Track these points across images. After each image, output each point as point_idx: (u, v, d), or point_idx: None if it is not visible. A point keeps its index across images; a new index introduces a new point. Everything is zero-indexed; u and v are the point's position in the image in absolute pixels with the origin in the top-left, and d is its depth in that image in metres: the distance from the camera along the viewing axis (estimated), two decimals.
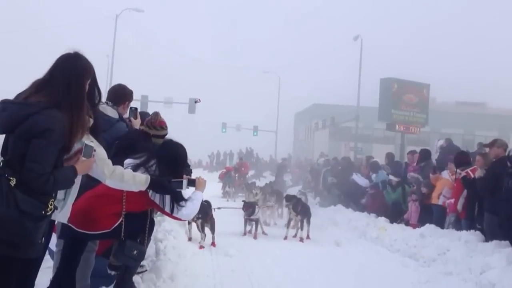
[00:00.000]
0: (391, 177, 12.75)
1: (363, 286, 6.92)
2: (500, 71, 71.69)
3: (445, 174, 10.58)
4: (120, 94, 5.42)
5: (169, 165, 4.53)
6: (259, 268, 7.61)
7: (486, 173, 8.21)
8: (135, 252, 4.35)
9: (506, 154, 8.09)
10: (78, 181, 3.43)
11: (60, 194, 3.32)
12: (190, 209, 4.57)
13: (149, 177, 4.11)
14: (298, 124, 55.66)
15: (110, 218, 4.34)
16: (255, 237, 10.46)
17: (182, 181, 4.28)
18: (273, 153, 45.52)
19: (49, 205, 3.09)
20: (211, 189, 22.21)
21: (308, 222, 10.66)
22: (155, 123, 5.35)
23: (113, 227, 4.31)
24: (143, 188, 4.09)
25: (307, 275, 7.35)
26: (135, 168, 4.31)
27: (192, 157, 44.05)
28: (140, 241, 4.58)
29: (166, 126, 5.48)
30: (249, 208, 10.66)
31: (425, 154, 12.29)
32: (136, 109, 5.78)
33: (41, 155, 2.96)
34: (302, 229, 10.51)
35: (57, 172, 3.06)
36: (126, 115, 5.58)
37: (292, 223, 10.76)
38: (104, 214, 4.31)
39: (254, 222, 10.73)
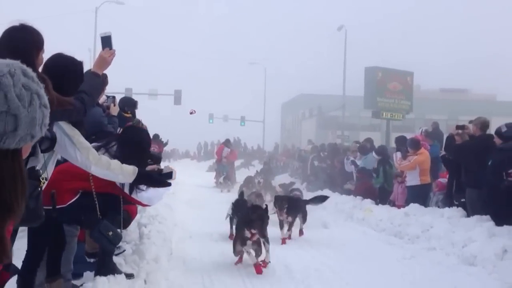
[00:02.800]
0: (374, 154, 12.91)
1: (350, 263, 6.91)
2: (482, 58, 72.23)
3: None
4: None
5: (131, 148, 4.34)
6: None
7: (470, 147, 8.26)
8: (110, 233, 4.15)
9: (494, 131, 8.17)
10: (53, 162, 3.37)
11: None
12: (152, 193, 4.34)
13: (136, 168, 3.99)
14: (285, 114, 55.68)
15: (68, 193, 4.12)
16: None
17: (171, 172, 4.18)
18: (261, 142, 45.55)
19: (41, 180, 3.03)
20: (201, 179, 22.35)
21: (302, 219, 9.18)
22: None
23: (68, 203, 4.08)
24: (130, 180, 3.98)
25: (294, 255, 7.33)
26: (96, 149, 4.02)
27: (179, 147, 44.27)
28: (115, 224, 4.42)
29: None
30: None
31: (400, 141, 12.35)
32: (114, 97, 5.70)
33: None
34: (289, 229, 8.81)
35: None
36: (102, 101, 5.48)
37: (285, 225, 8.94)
38: (63, 188, 4.06)
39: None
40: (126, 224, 6.11)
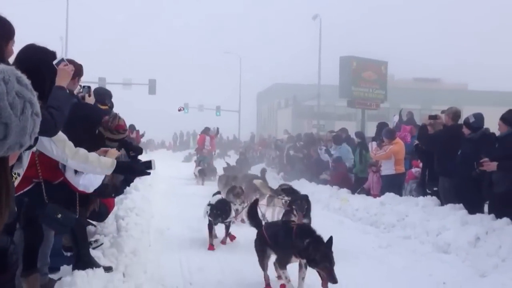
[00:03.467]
0: (354, 136, 13.30)
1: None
2: (453, 47, 73.41)
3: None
4: None
5: (77, 126, 4.19)
6: (227, 243, 7.58)
7: (443, 137, 8.42)
8: (59, 215, 3.96)
9: (463, 122, 8.33)
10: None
11: None
12: (89, 180, 4.12)
13: (115, 160, 3.95)
14: (260, 103, 55.68)
15: (23, 182, 3.78)
16: None
17: (151, 161, 4.14)
18: (237, 133, 45.51)
19: (13, 175, 2.97)
20: (178, 170, 22.11)
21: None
22: (112, 126, 5.03)
23: (20, 193, 3.84)
24: (109, 172, 3.93)
25: None
26: None
27: (155, 137, 43.92)
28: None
29: (124, 130, 5.16)
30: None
31: (381, 127, 12.54)
32: (89, 87, 5.60)
33: None
34: None
35: None
36: (76, 91, 5.38)
37: None
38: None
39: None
40: (104, 217, 6.09)
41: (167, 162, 26.26)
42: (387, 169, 10.70)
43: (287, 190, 8.62)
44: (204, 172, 17.95)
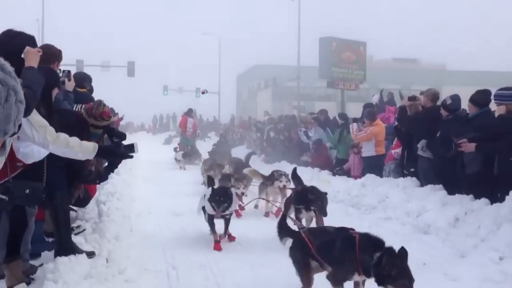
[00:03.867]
0: (337, 117, 13.35)
1: None
2: (431, 28, 73.87)
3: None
4: (48, 54, 5.06)
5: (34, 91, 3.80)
6: (206, 226, 7.56)
7: (421, 118, 8.51)
8: (27, 191, 3.75)
9: (440, 103, 8.43)
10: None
11: None
12: (31, 150, 3.87)
13: (96, 144, 3.90)
14: (240, 85, 55.50)
15: None
16: None
17: (133, 144, 4.09)
18: (217, 114, 45.35)
19: None
20: (159, 153, 21.90)
21: None
22: (96, 113, 4.98)
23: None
24: (91, 156, 3.89)
25: (253, 227, 7.41)
26: None
27: (134, 120, 43.55)
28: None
29: (108, 117, 5.13)
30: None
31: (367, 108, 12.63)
32: (69, 71, 5.51)
33: None
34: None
35: None
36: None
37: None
38: None
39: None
40: (86, 202, 6.03)
41: (147, 145, 26.05)
42: (368, 150, 10.79)
43: (294, 176, 7.84)
44: (187, 155, 17.34)
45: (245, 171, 9.46)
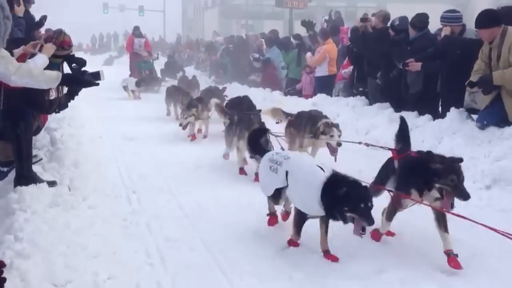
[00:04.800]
0: (292, 39, 13.44)
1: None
2: None
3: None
4: None
5: None
6: (161, 150, 7.68)
7: (372, 39, 8.69)
8: None
9: (388, 24, 8.61)
10: None
11: None
12: None
13: (60, 73, 3.82)
14: (186, 3, 53.51)
15: None
16: None
17: (99, 72, 4.01)
18: (162, 33, 43.95)
19: None
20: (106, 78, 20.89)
21: None
22: (57, 43, 4.83)
23: None
24: (55, 85, 3.84)
25: (202, 150, 7.60)
26: None
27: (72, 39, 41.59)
28: None
29: (69, 46, 5.02)
30: None
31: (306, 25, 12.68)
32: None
33: None
34: None
35: None
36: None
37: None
38: None
39: None
40: (38, 131, 5.95)
41: (85, 66, 25.21)
42: (321, 70, 10.95)
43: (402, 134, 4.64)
44: (144, 82, 14.66)
45: (267, 111, 7.39)
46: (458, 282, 3.44)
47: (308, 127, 6.21)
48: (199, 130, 8.68)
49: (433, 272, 3.58)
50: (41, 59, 4.22)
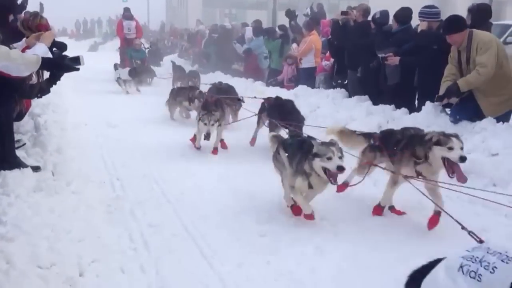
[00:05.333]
0: (277, 29, 13.40)
1: (244, 140, 7.31)
2: None
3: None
4: None
5: None
6: (145, 138, 7.68)
7: (353, 32, 8.79)
8: None
9: (370, 18, 8.71)
10: None
11: None
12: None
13: (40, 57, 3.79)
14: None
15: None
16: None
17: (78, 57, 4.01)
18: (146, 20, 43.41)
19: None
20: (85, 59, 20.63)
21: None
22: (33, 25, 4.77)
23: None
24: (35, 69, 3.79)
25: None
26: None
27: (55, 24, 40.99)
28: None
29: (46, 30, 4.91)
30: None
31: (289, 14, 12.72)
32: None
33: None
34: None
35: None
36: None
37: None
38: None
39: None
40: (21, 117, 5.93)
41: (71, 51, 24.84)
42: (308, 61, 10.97)
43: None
44: (136, 73, 12.99)
45: (331, 130, 5.25)
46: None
47: (409, 149, 4.29)
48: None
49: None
50: (41, 49, 4.17)
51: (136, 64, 14.54)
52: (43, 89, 5.12)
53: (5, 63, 3.58)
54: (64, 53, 4.03)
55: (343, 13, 9.26)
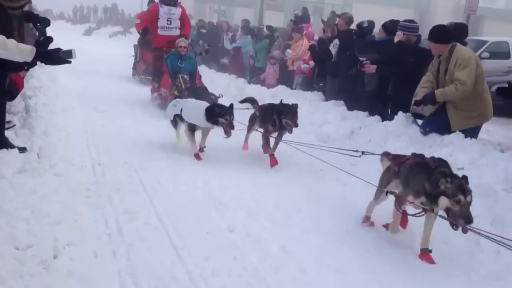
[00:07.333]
0: (265, 29, 13.43)
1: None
2: None
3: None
4: None
5: None
6: (129, 126, 7.64)
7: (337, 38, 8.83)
8: None
9: (356, 24, 8.73)
10: None
11: None
12: None
13: (34, 48, 3.74)
14: None
15: None
16: None
17: (71, 50, 3.96)
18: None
19: None
20: (81, 42, 20.57)
21: None
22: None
23: None
24: (29, 59, 3.73)
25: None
26: None
27: (53, 8, 40.43)
28: None
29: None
30: None
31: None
32: None
33: None
34: None
35: None
36: None
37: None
38: None
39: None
40: (13, 97, 5.84)
41: (66, 32, 24.75)
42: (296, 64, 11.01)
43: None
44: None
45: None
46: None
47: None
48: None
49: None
50: None
51: (181, 83, 8.53)
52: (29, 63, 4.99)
53: (1, 51, 3.55)
54: (58, 47, 3.93)
55: (325, 24, 9.35)
